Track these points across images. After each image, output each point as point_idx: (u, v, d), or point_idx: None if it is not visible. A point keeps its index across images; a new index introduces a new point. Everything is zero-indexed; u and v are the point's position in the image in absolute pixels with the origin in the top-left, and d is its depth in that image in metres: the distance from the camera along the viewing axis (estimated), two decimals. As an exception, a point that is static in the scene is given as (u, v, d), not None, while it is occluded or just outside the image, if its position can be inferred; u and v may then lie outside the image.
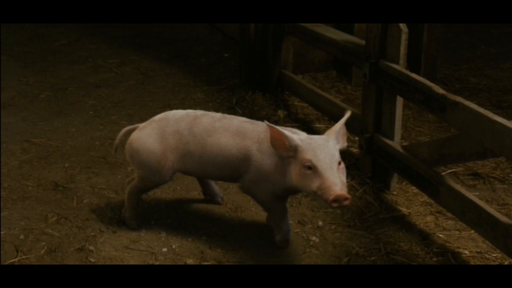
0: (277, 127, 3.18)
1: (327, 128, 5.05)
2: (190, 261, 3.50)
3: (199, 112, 3.64)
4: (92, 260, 3.51)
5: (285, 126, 4.41)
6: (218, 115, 3.61)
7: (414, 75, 3.72)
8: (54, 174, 4.48)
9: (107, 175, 4.45)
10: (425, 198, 4.06)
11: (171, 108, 5.54)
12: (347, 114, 3.29)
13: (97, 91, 6.15)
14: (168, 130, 3.53)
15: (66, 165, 4.60)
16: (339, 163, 3.10)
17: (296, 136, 3.19)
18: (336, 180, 3.01)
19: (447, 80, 6.15)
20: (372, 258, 3.53)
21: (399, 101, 4.00)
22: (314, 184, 3.05)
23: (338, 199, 2.98)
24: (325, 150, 3.07)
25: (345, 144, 3.30)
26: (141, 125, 3.67)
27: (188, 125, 3.52)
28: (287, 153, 3.16)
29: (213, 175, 3.64)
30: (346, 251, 3.60)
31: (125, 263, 3.48)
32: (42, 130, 5.24)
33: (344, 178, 3.10)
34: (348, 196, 3.00)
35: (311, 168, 3.06)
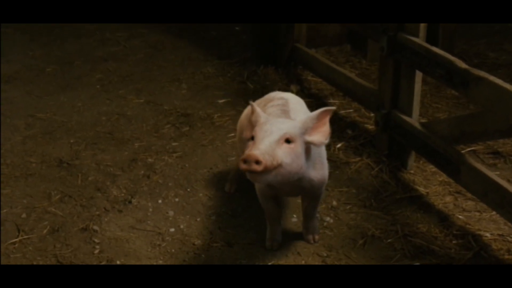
0: (257, 107, 2.88)
1: (341, 103, 4.92)
2: (198, 242, 3.36)
3: (278, 95, 3.38)
4: (96, 240, 3.37)
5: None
6: (280, 101, 3.24)
7: (434, 49, 3.53)
8: (59, 150, 4.34)
9: (114, 152, 4.30)
10: (444, 177, 3.89)
11: (180, 83, 5.43)
12: (330, 108, 2.86)
13: (104, 65, 6.00)
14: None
15: (71, 141, 4.46)
16: (288, 141, 2.68)
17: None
18: (261, 145, 2.60)
19: (465, 55, 5.93)
20: (389, 240, 3.36)
21: (418, 76, 3.82)
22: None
23: (247, 160, 2.54)
24: (274, 124, 2.71)
25: (325, 140, 2.83)
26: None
27: (261, 108, 3.27)
28: (251, 132, 2.81)
29: None
30: (362, 233, 3.44)
31: (130, 244, 3.34)
32: (47, 105, 5.10)
33: (282, 156, 2.63)
34: (261, 160, 2.52)
35: (253, 138, 2.72)
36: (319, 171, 3.04)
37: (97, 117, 4.85)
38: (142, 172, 4.03)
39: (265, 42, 5.64)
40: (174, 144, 4.38)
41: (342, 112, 4.80)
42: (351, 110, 4.83)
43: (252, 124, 2.87)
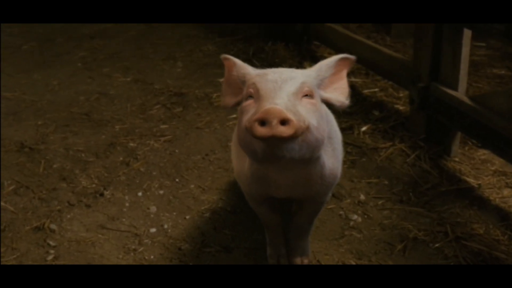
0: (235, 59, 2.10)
1: (364, 82, 4.16)
2: (186, 247, 2.58)
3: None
4: (51, 243, 2.59)
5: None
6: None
7: (493, -3, 2.74)
8: (22, 133, 3.59)
9: (88, 135, 3.54)
10: (497, 166, 3.15)
11: (176, 61, 4.69)
12: (348, 56, 2.03)
13: (90, 42, 5.31)
14: None
15: (39, 123, 3.73)
16: (307, 96, 1.85)
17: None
18: (277, 99, 1.75)
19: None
20: (437, 245, 2.57)
21: (467, 36, 3.04)
22: None
23: (267, 118, 1.68)
24: (283, 73, 1.89)
25: (346, 100, 1.99)
26: None
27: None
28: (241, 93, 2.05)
29: None
30: (400, 235, 2.64)
31: (96, 248, 2.56)
32: (17, 83, 4.39)
33: (307, 115, 1.76)
34: (290, 117, 1.67)
35: (250, 97, 1.88)
36: (330, 158, 2.14)
37: (74, 97, 4.11)
38: (121, 158, 3.26)
39: (274, 15, 4.90)
40: (162, 126, 3.62)
41: (365, 91, 4.01)
42: (376, 90, 4.04)
43: (235, 83, 2.03)
